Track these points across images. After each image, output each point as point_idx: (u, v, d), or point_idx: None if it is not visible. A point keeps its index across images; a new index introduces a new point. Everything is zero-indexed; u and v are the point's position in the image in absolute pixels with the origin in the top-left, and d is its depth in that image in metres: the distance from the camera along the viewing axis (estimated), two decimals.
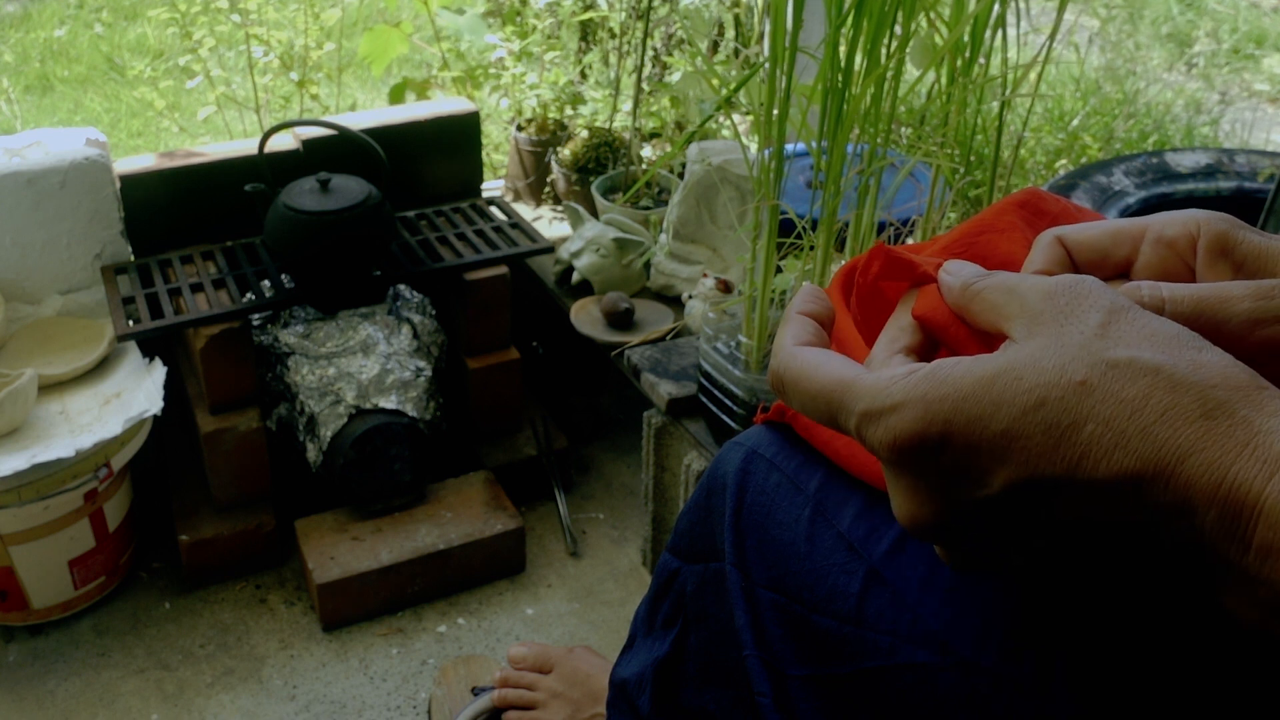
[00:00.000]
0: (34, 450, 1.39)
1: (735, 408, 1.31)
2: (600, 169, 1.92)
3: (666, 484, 1.50)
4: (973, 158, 1.48)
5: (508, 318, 1.71)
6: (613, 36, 2.16)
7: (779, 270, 1.28)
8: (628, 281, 1.72)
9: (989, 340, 0.44)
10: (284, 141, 1.72)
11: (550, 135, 2.01)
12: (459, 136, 1.84)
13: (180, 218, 1.68)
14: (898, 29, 1.11)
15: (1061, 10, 1.16)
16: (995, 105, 1.29)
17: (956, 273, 0.45)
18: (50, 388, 1.53)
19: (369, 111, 1.94)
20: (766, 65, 1.12)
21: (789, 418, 0.60)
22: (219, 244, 1.68)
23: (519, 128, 2.04)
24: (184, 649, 1.51)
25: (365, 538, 1.56)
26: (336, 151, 1.68)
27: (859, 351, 0.61)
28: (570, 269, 1.72)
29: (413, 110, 1.85)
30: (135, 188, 1.63)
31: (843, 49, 1.09)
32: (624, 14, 2.10)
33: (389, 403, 1.57)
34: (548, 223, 2.00)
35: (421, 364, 1.63)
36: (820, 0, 1.11)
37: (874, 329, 0.52)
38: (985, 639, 0.47)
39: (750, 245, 1.24)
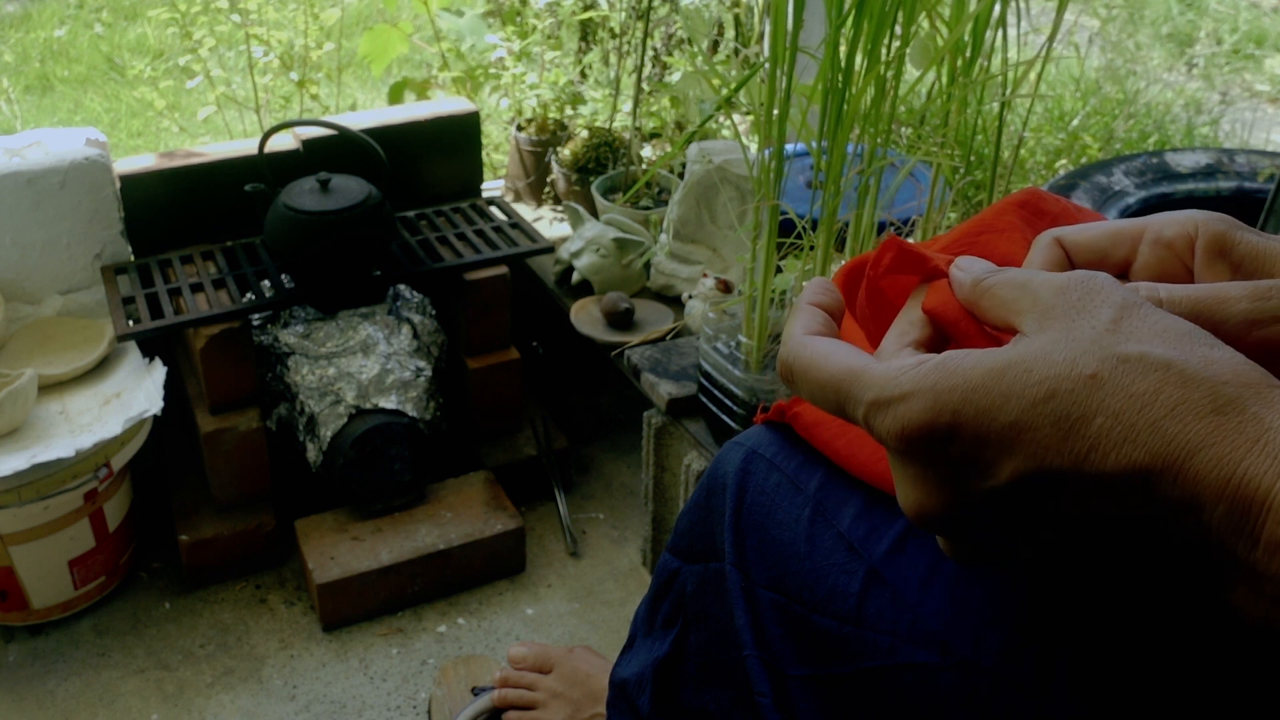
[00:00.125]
0: (34, 450, 1.39)
1: (735, 408, 1.31)
2: (600, 169, 1.92)
3: (666, 484, 1.50)
4: (973, 158, 1.48)
5: (508, 318, 1.71)
6: (613, 36, 2.16)
7: (779, 270, 1.28)
8: (628, 281, 1.72)
9: (999, 336, 0.44)
10: (284, 141, 1.72)
11: (550, 135, 2.01)
12: (459, 136, 1.84)
13: (180, 218, 1.68)
14: (898, 29, 1.11)
15: (1061, 10, 1.16)
16: (995, 105, 1.29)
17: (968, 268, 0.45)
18: (50, 388, 1.53)
19: (369, 111, 1.94)
20: (766, 65, 1.12)
21: (789, 418, 0.60)
22: (219, 244, 1.68)
23: (519, 128, 2.04)
24: (184, 649, 1.51)
25: (365, 538, 1.56)
26: (336, 151, 1.68)
27: (862, 348, 0.61)
28: (570, 269, 1.72)
29: (413, 110, 1.85)
30: (135, 188, 1.63)
31: (843, 49, 1.09)
32: (624, 14, 2.10)
33: (389, 403, 1.57)
34: (548, 223, 2.00)
35: (421, 364, 1.63)
36: (820, 0, 1.11)
37: (878, 325, 0.52)
38: (985, 639, 0.47)
39: (750, 245, 1.24)
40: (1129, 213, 1.81)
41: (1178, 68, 3.59)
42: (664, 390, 1.43)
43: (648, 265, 1.73)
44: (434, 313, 1.71)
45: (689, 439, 1.41)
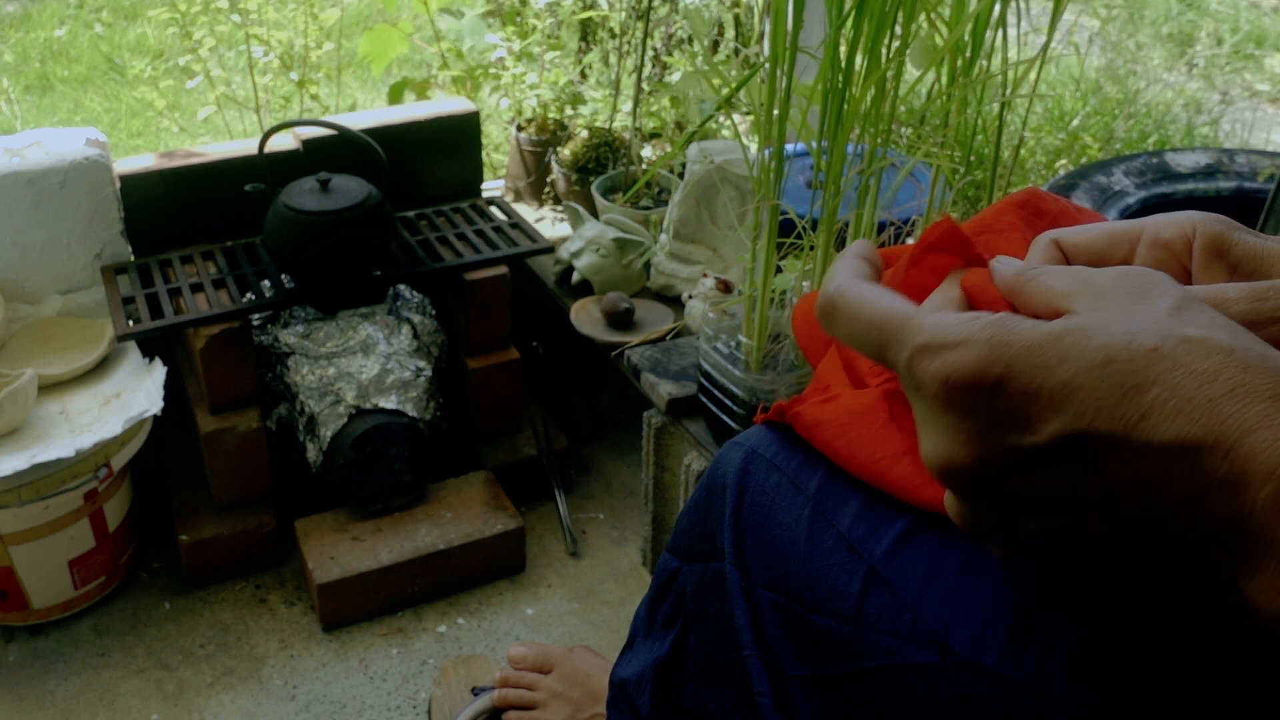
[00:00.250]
0: (34, 450, 1.39)
1: (735, 408, 1.31)
2: (600, 169, 1.92)
3: (666, 484, 1.50)
4: (973, 158, 1.48)
5: (508, 318, 1.71)
6: (613, 36, 2.16)
7: (779, 270, 1.28)
8: (628, 281, 1.72)
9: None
10: (284, 141, 1.72)
11: (550, 135, 2.01)
12: (459, 136, 1.84)
13: (180, 218, 1.68)
14: (898, 29, 1.11)
15: (1058, 10, 1.16)
16: (995, 105, 1.29)
17: (1009, 264, 0.45)
18: (50, 388, 1.53)
19: (369, 111, 1.94)
20: (766, 65, 1.12)
21: (789, 418, 0.60)
22: (219, 244, 1.68)
23: (519, 128, 2.04)
24: (184, 649, 1.51)
25: (365, 538, 1.56)
26: (336, 151, 1.68)
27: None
28: (570, 269, 1.72)
29: (413, 110, 1.85)
30: (135, 188, 1.63)
31: (843, 49, 1.09)
32: (624, 14, 2.10)
33: (389, 403, 1.57)
34: (548, 223, 2.00)
35: (421, 364, 1.63)
36: (820, 0, 1.11)
37: (916, 292, 0.52)
38: (985, 639, 0.47)
39: (750, 245, 1.24)
40: (1129, 213, 1.81)
41: (1178, 68, 3.59)
42: (664, 390, 1.43)
43: (648, 265, 1.73)
44: (434, 313, 1.71)
45: (689, 439, 1.41)
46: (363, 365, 1.58)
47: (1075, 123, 2.64)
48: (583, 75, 2.21)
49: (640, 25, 2.01)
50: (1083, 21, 3.71)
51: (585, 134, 1.96)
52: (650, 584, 0.70)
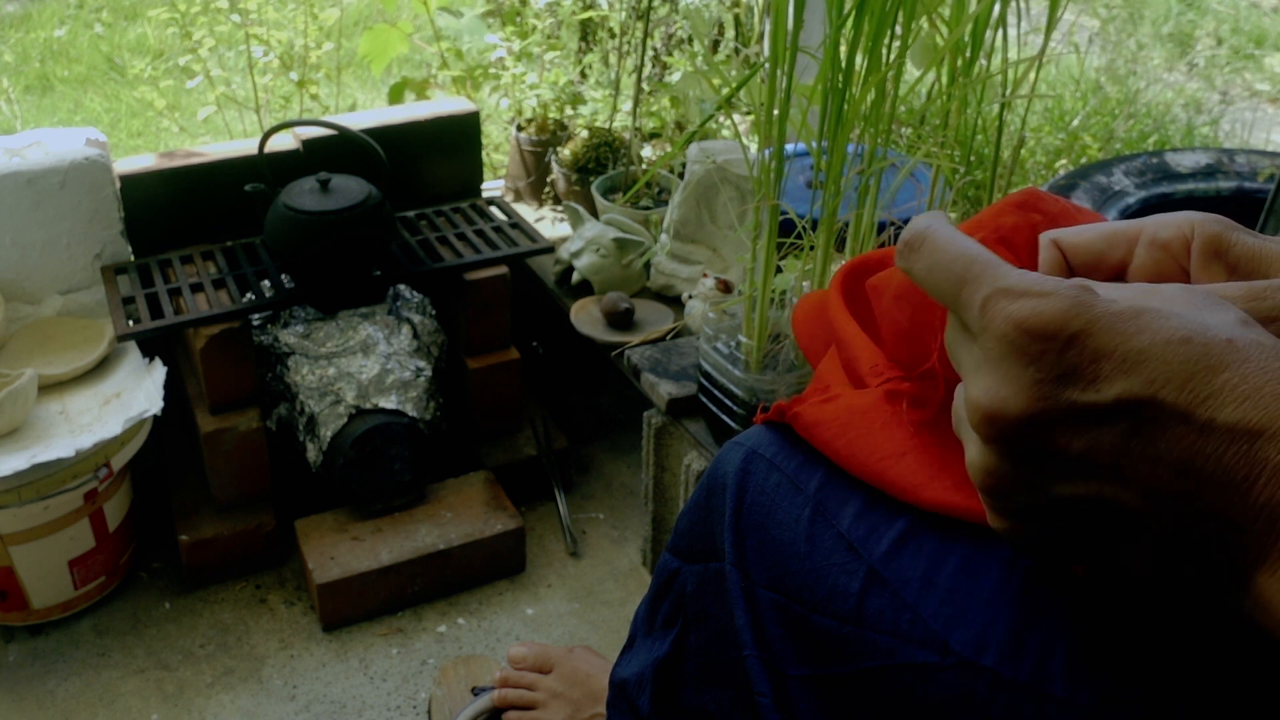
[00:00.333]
0: (34, 450, 1.39)
1: (735, 408, 1.31)
2: (600, 169, 1.92)
3: (666, 484, 1.50)
4: (973, 158, 1.48)
5: (508, 318, 1.71)
6: (613, 36, 2.16)
7: (779, 270, 1.28)
8: (628, 281, 1.72)
9: None
10: (284, 141, 1.72)
11: (550, 135, 2.01)
12: (459, 136, 1.84)
13: (180, 218, 1.68)
14: (898, 29, 1.11)
15: (1053, 9, 1.16)
16: (995, 106, 1.29)
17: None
18: (50, 388, 1.53)
19: (369, 111, 1.94)
20: (766, 65, 1.12)
21: (789, 418, 0.60)
22: (219, 244, 1.68)
23: (519, 128, 2.04)
24: (184, 649, 1.51)
25: (365, 538, 1.56)
26: (336, 151, 1.68)
27: (859, 350, 0.61)
28: (570, 269, 1.72)
29: (413, 110, 1.85)
30: (135, 188, 1.63)
31: (843, 49, 1.09)
32: (624, 14, 2.10)
33: (389, 403, 1.57)
34: (548, 223, 2.00)
35: (421, 364, 1.63)
36: (820, 0, 1.11)
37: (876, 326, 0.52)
38: (985, 639, 0.47)
39: (750, 245, 1.24)
40: (1129, 213, 1.81)
41: (1178, 68, 3.59)
42: (664, 390, 1.43)
43: (648, 265, 1.73)
44: (434, 313, 1.71)
45: (689, 439, 1.41)
46: (363, 365, 1.58)
47: (1075, 123, 2.64)
48: (583, 75, 2.21)
49: (640, 25, 2.01)
50: (1083, 21, 3.71)
51: (585, 134, 1.96)
52: (650, 584, 0.70)
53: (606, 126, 2.00)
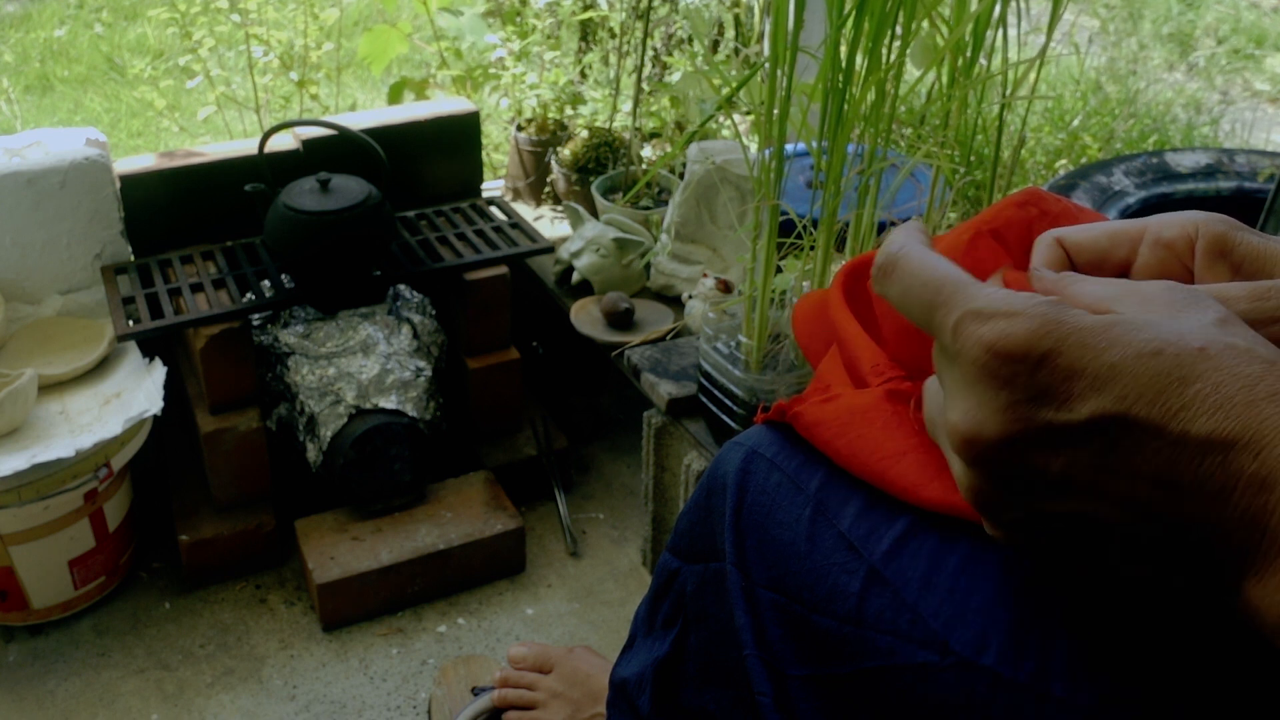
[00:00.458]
0: (34, 450, 1.39)
1: (735, 408, 1.31)
2: (600, 169, 1.92)
3: (666, 484, 1.50)
4: (973, 158, 1.48)
5: (508, 318, 1.71)
6: (613, 36, 2.16)
7: (779, 270, 1.28)
8: (628, 281, 1.72)
9: None
10: (284, 141, 1.72)
11: (550, 135, 2.01)
12: (459, 136, 1.84)
13: (180, 218, 1.68)
14: (898, 29, 1.11)
15: (1055, 9, 1.16)
16: (995, 106, 1.29)
17: (1051, 273, 0.46)
18: (50, 388, 1.53)
19: (369, 111, 1.94)
20: (766, 65, 1.12)
21: (789, 417, 0.60)
22: (219, 244, 1.68)
23: (519, 128, 2.04)
24: (184, 649, 1.51)
25: (365, 538, 1.56)
26: (336, 151, 1.68)
27: (860, 349, 0.61)
28: (570, 269, 1.72)
29: (413, 110, 1.85)
30: (135, 188, 1.63)
31: (843, 49, 1.09)
32: (624, 14, 2.10)
33: (389, 403, 1.57)
34: (548, 223, 2.00)
35: (421, 364, 1.63)
36: (821, 0, 1.11)
37: (876, 324, 0.52)
38: (985, 639, 0.47)
39: (750, 245, 1.24)
40: (1129, 213, 1.81)
41: (1178, 68, 3.59)
42: (664, 390, 1.43)
43: (648, 265, 1.73)
44: (434, 313, 1.71)
45: (689, 439, 1.41)
46: (363, 365, 1.58)
47: (1075, 123, 2.64)
48: (583, 75, 2.21)
49: (640, 25, 2.01)
50: (1083, 21, 3.71)
51: (585, 134, 1.96)
52: (650, 584, 0.70)
53: (606, 126, 2.00)
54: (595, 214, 1.83)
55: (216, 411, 1.56)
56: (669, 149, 1.96)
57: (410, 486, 1.62)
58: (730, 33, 2.26)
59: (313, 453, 1.58)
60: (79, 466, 1.42)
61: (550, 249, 1.72)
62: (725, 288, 1.54)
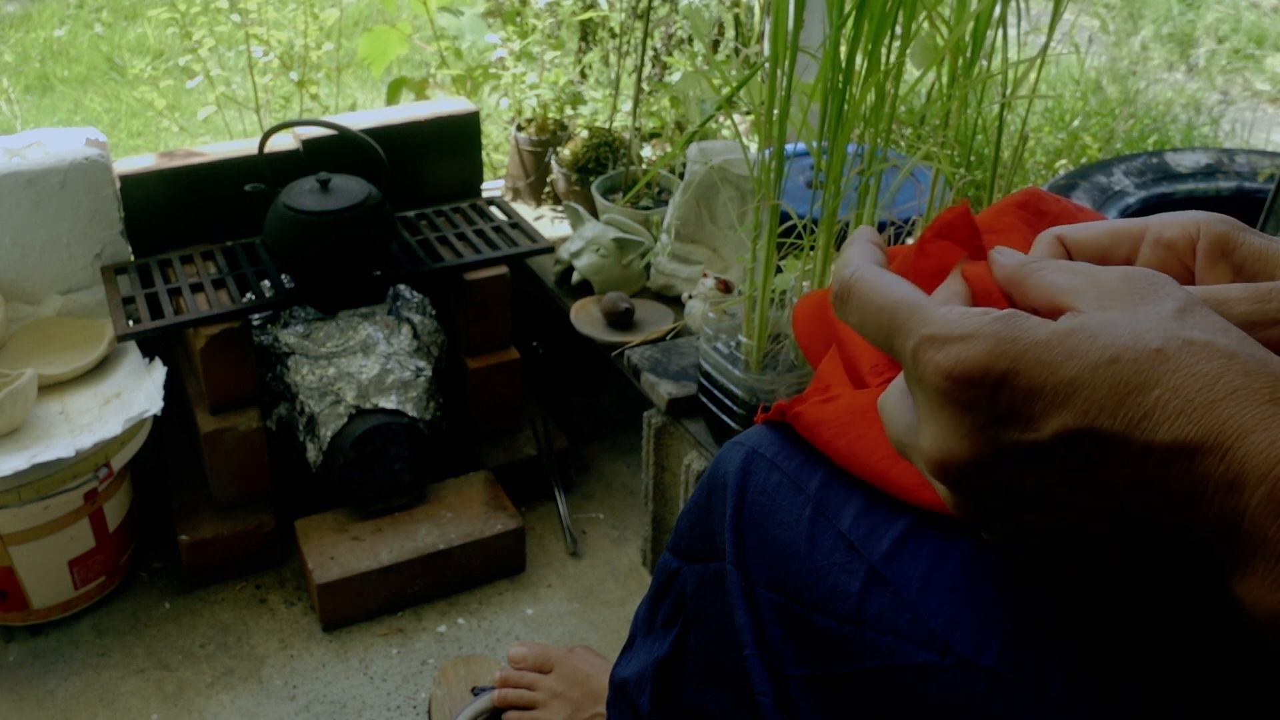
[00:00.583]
0: (34, 450, 1.39)
1: (735, 408, 1.31)
2: (600, 169, 1.92)
3: (666, 484, 1.50)
4: (973, 158, 1.48)
5: (508, 318, 1.71)
6: (613, 36, 2.16)
7: (779, 270, 1.28)
8: (628, 281, 1.72)
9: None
10: (284, 141, 1.72)
11: (550, 135, 2.01)
12: (459, 136, 1.84)
13: (180, 218, 1.68)
14: (898, 29, 1.11)
15: (1057, 10, 1.16)
16: (995, 106, 1.29)
17: (1010, 255, 0.45)
18: (50, 388, 1.53)
19: (369, 111, 1.94)
20: (766, 65, 1.12)
21: (789, 417, 0.60)
22: (219, 244, 1.68)
23: (519, 128, 2.04)
24: (184, 649, 1.51)
25: (365, 538, 1.56)
26: (336, 151, 1.68)
27: (859, 349, 0.61)
28: (570, 269, 1.72)
29: (413, 110, 1.85)
30: (135, 188, 1.63)
31: (843, 49, 1.09)
32: (624, 14, 2.10)
33: (389, 403, 1.57)
34: (548, 223, 2.00)
35: (421, 364, 1.63)
36: (821, 0, 1.11)
37: (925, 276, 0.52)
38: (985, 639, 0.47)
39: (750, 245, 1.24)
40: (1129, 213, 1.81)
41: (1178, 68, 3.59)
42: (664, 390, 1.43)
43: (648, 265, 1.73)
44: (434, 313, 1.71)
45: (689, 439, 1.41)
46: (363, 365, 1.58)
47: (1075, 123, 2.64)
48: (583, 75, 2.21)
49: (640, 25, 2.01)
50: (1083, 21, 3.71)
51: (585, 134, 1.96)
52: (650, 584, 0.70)
53: (606, 126, 2.00)
54: (595, 214, 1.83)
55: (216, 411, 1.56)
56: (669, 149, 1.96)
57: (410, 486, 1.62)
58: (730, 33, 2.26)
59: (313, 453, 1.58)
60: (79, 466, 1.42)
61: (550, 249, 1.72)
62: (725, 288, 1.54)
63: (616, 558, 1.67)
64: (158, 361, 1.54)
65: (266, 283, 1.60)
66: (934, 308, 0.42)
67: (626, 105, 2.01)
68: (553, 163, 1.99)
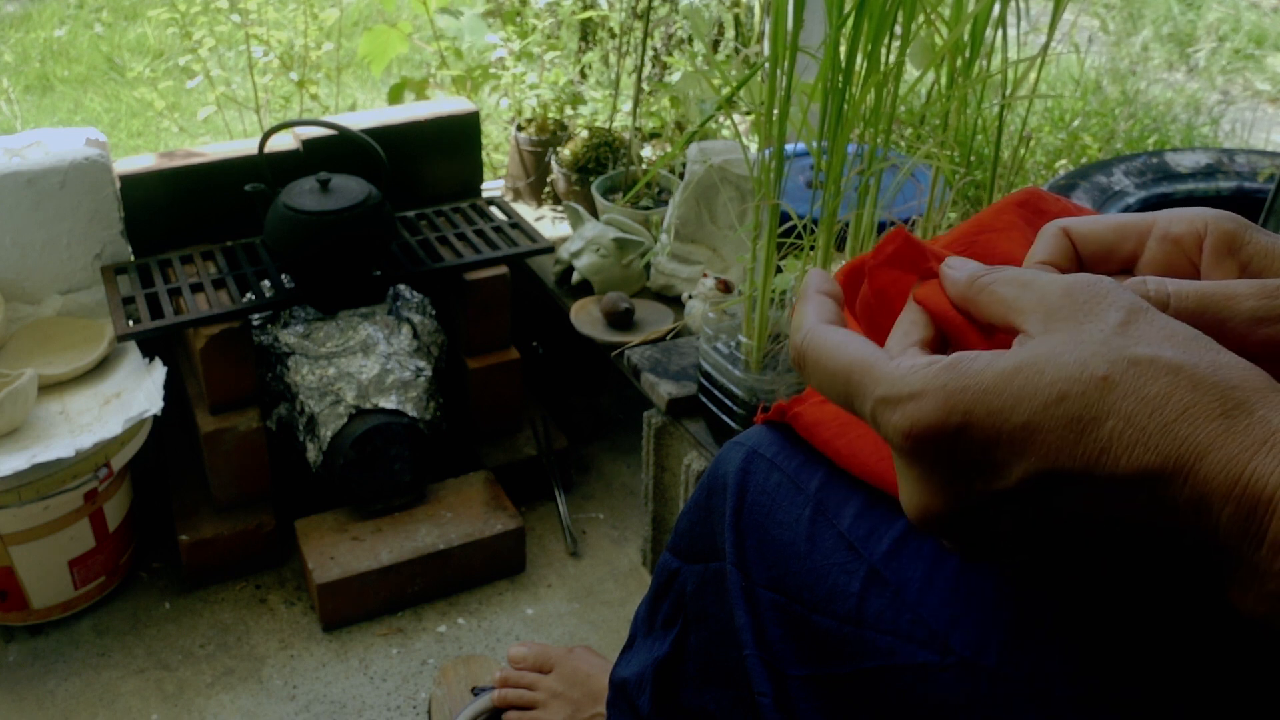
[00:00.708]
0: (34, 450, 1.39)
1: (735, 408, 1.31)
2: (600, 169, 1.92)
3: (666, 484, 1.50)
4: (973, 158, 1.48)
5: (508, 318, 1.71)
6: (613, 36, 2.16)
7: (779, 270, 1.28)
8: (628, 281, 1.72)
9: (990, 331, 0.43)
10: (284, 141, 1.72)
11: (550, 135, 2.01)
12: (459, 136, 1.84)
13: (180, 218, 1.68)
14: (898, 29, 1.11)
15: (1057, 10, 1.16)
16: (995, 106, 1.29)
17: (960, 267, 0.45)
18: (50, 388, 1.53)
19: (369, 111, 1.94)
20: (767, 65, 1.12)
21: (789, 418, 0.60)
22: (219, 244, 1.68)
23: (519, 128, 2.04)
24: (184, 649, 1.51)
25: (365, 538, 1.56)
26: (336, 151, 1.68)
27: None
28: (570, 269, 1.72)
29: (413, 110, 1.85)
30: (135, 188, 1.63)
31: (843, 49, 1.09)
32: (624, 14, 2.10)
33: (389, 403, 1.57)
34: (548, 223, 2.00)
35: (421, 364, 1.63)
36: (820, 0, 1.11)
37: (882, 320, 0.52)
38: (985, 639, 0.47)
39: (750, 245, 1.24)
40: (1129, 211, 1.81)
41: (1178, 68, 3.59)
42: (664, 390, 1.43)
43: (648, 265, 1.73)
44: (434, 313, 1.71)
45: (689, 439, 1.41)
46: (363, 365, 1.58)
47: (1075, 123, 2.64)
48: (583, 75, 2.21)
49: (640, 25, 2.01)
50: (1083, 21, 3.71)
51: (585, 134, 1.96)
52: (650, 584, 0.70)
53: (606, 126, 2.00)
54: (595, 214, 1.83)
55: (216, 411, 1.56)
56: (669, 149, 1.96)
57: (410, 486, 1.61)
58: (730, 33, 2.26)
59: (313, 453, 1.58)
60: (79, 466, 1.42)
61: (550, 249, 1.72)
62: (725, 288, 1.54)
63: (616, 558, 1.67)
64: (158, 361, 1.54)
65: (266, 283, 1.60)
66: (884, 365, 0.42)
67: (626, 105, 2.01)
68: (553, 163, 1.99)
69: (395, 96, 2.22)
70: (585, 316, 1.65)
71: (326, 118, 1.82)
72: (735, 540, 0.59)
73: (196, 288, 1.56)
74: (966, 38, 1.18)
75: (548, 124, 2.02)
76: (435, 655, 1.50)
